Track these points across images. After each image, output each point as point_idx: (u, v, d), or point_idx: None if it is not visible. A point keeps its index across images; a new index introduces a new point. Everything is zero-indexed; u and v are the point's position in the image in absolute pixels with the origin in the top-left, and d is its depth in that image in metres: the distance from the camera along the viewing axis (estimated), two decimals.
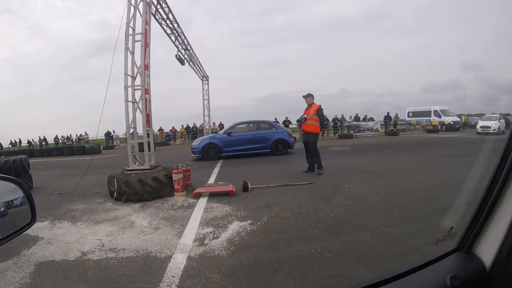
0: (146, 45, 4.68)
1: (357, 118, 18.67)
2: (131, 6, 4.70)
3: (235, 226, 2.94)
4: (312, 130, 5.41)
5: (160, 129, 21.07)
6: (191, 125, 21.01)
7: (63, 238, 2.92)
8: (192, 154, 9.10)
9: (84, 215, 3.72)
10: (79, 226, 3.30)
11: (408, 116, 22.40)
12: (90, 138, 21.84)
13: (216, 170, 6.81)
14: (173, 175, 4.29)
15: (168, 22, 9.32)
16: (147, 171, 4.39)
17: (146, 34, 4.68)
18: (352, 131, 17.34)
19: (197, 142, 9.32)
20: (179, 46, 11.12)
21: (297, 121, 5.72)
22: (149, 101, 4.83)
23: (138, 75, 4.68)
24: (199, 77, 15.07)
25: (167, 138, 19.59)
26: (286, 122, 16.57)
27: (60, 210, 3.98)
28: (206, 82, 15.06)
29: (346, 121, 18.57)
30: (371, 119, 18.82)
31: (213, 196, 4.11)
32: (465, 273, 0.62)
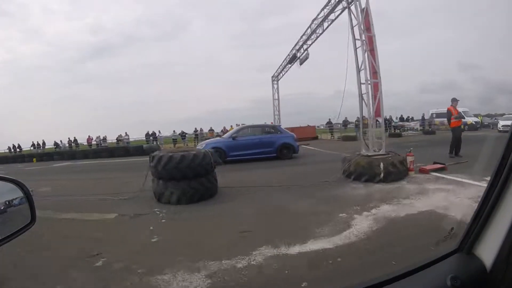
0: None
1: (401, 119, 20.77)
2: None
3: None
4: None
5: (211, 130, 21.30)
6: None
7: None
8: None
9: (389, 195, 4.06)
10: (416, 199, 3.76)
11: (432, 117, 25.09)
12: (130, 139, 21.79)
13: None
14: (408, 157, 5.41)
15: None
16: (389, 156, 5.36)
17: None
18: (398, 130, 19.39)
19: (201, 146, 8.96)
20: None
21: (457, 117, 7.37)
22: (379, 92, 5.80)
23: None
24: (271, 77, 15.49)
25: None
26: (345, 122, 18.08)
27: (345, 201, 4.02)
28: (276, 82, 15.47)
29: (393, 121, 20.55)
30: (412, 119, 21.02)
31: (432, 171, 5.42)
32: (465, 274, 0.62)
